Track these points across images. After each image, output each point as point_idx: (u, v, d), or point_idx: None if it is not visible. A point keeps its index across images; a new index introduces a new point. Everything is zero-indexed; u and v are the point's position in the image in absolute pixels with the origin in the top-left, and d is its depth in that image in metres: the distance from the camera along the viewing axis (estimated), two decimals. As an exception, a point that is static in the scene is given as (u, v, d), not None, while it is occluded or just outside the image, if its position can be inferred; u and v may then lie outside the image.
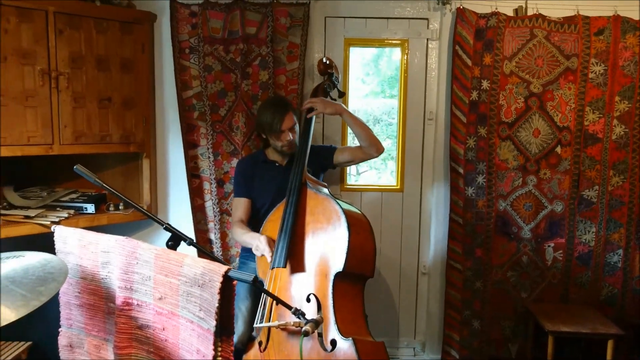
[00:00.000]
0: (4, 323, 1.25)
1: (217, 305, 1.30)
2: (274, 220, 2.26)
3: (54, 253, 1.67)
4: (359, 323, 2.09)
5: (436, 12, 2.83)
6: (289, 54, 2.78)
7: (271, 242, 2.18)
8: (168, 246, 1.54)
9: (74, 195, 2.71)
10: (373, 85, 3.28)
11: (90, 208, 2.59)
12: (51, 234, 1.72)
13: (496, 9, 2.75)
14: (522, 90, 2.77)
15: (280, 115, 2.38)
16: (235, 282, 1.32)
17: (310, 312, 1.99)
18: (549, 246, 2.87)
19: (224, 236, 2.87)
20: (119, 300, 1.53)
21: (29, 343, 2.25)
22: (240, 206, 2.50)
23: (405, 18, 2.86)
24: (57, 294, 1.57)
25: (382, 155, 2.54)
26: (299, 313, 1.60)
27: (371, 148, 2.47)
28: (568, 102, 2.78)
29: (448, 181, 2.90)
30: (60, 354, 1.75)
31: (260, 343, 2.13)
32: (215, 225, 2.86)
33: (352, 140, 2.85)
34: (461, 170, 2.84)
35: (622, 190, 2.81)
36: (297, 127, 2.46)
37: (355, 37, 2.89)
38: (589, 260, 2.86)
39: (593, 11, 2.74)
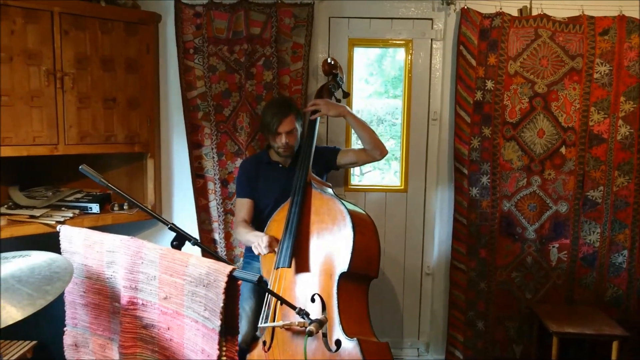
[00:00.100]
0: (10, 322, 1.25)
1: (222, 305, 1.30)
2: (279, 220, 2.26)
3: (60, 252, 1.68)
4: (364, 323, 2.09)
5: (440, 12, 2.83)
6: (293, 55, 2.79)
7: (272, 242, 2.18)
8: (173, 246, 1.54)
9: (78, 195, 2.72)
10: (376, 85, 3.28)
11: (95, 208, 2.60)
12: (56, 234, 1.72)
13: (501, 9, 2.75)
14: (527, 90, 2.77)
15: (280, 117, 2.38)
16: (240, 282, 1.32)
17: (315, 312, 1.99)
18: (553, 247, 2.87)
19: (228, 236, 2.88)
20: (124, 300, 1.53)
21: (34, 342, 2.26)
22: (243, 207, 2.50)
23: (409, 18, 2.85)
24: (63, 293, 1.58)
25: (386, 156, 2.54)
26: (303, 313, 1.61)
27: (375, 151, 2.47)
28: (573, 103, 2.77)
29: (452, 181, 2.89)
30: (65, 353, 1.75)
31: (264, 343, 2.13)
32: (219, 225, 2.86)
33: (357, 142, 2.85)
34: (465, 171, 2.84)
35: (627, 191, 2.80)
36: (297, 131, 2.45)
37: (359, 38, 2.89)
38: (593, 261, 2.85)
39: (598, 11, 2.73)
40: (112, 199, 2.77)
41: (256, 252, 2.22)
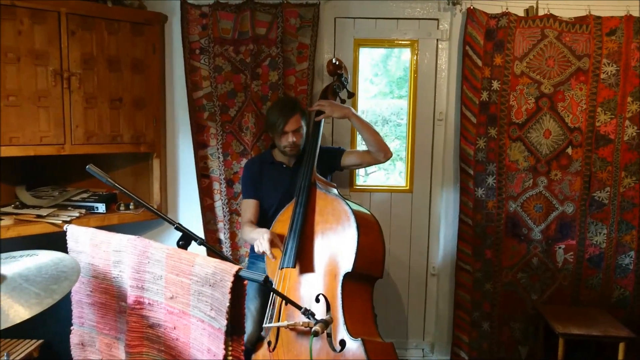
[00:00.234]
0: (18, 321, 1.26)
1: (228, 304, 1.30)
2: (283, 220, 2.26)
3: (66, 252, 1.69)
4: (368, 323, 2.09)
5: (446, 12, 2.82)
6: (298, 55, 2.79)
7: (274, 240, 2.17)
8: (179, 246, 1.55)
9: (85, 195, 2.73)
10: (381, 85, 3.27)
11: (101, 207, 2.61)
12: (63, 233, 1.73)
13: (507, 9, 2.74)
14: (533, 90, 2.76)
15: (286, 116, 2.38)
16: (246, 281, 1.32)
17: (320, 312, 2.00)
18: (559, 248, 2.85)
19: (233, 236, 2.88)
20: (130, 299, 1.54)
21: (40, 341, 2.27)
22: (248, 208, 2.50)
23: (415, 18, 2.85)
24: (69, 292, 1.59)
25: (390, 158, 2.53)
26: (308, 313, 1.61)
27: (379, 153, 2.47)
28: (579, 103, 2.76)
29: (458, 182, 2.89)
30: (71, 352, 1.76)
31: (269, 343, 2.13)
32: (224, 225, 2.87)
33: (362, 143, 2.85)
34: (471, 171, 2.83)
35: (633, 192, 2.78)
36: (303, 131, 2.45)
37: (365, 38, 2.88)
38: (600, 262, 2.84)
39: (605, 11, 2.71)
40: (118, 198, 2.78)
41: (256, 250, 2.18)
